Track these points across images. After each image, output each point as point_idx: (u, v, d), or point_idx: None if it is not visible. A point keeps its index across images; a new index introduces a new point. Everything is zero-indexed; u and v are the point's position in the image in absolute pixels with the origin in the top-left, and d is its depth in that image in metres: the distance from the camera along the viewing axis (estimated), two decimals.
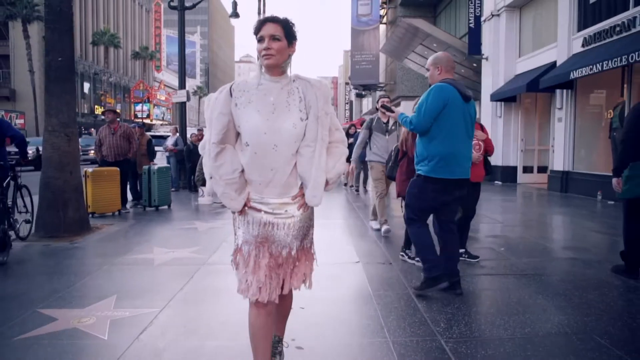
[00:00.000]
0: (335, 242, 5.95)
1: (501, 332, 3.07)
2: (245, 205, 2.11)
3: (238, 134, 2.11)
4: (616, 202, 9.14)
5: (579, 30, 10.91)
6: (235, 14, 13.64)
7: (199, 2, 13.06)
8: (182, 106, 13.14)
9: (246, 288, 2.09)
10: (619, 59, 8.18)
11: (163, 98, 66.43)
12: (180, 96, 12.85)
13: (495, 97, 14.32)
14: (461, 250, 4.56)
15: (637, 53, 7.69)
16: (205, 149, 2.09)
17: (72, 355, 2.82)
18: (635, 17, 8.79)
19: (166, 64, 79.23)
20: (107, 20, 65.75)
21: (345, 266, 4.77)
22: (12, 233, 5.46)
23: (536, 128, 14.49)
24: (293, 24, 2.09)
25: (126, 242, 6.05)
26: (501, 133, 14.52)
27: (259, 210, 2.10)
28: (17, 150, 5.89)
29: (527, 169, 14.47)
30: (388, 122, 6.15)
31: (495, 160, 14.61)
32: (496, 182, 14.34)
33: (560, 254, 5.46)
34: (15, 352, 2.85)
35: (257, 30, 2.06)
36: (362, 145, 6.30)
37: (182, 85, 12.99)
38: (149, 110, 60.03)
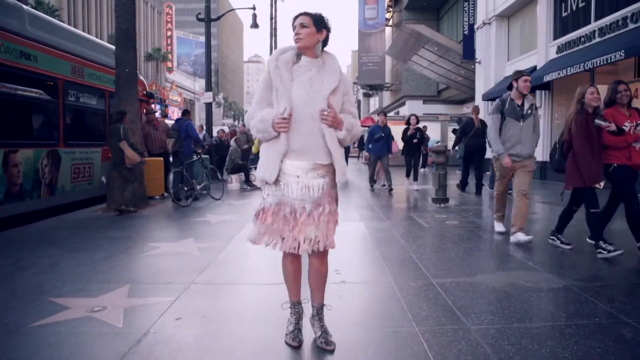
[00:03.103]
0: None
1: (450, 250, 4.79)
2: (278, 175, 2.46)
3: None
4: None
5: (555, 39, 12.57)
6: (255, 25, 15.37)
7: (224, 15, 14.82)
8: (208, 106, 14.92)
9: (279, 242, 2.48)
10: (579, 65, 9.83)
11: (175, 98, 68.34)
12: (207, 97, 14.62)
13: (487, 97, 15.97)
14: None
15: (590, 61, 9.35)
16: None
17: (181, 262, 4.58)
18: (594, 31, 10.44)
19: (177, 64, 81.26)
20: None
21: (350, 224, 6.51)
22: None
23: None
24: (322, 17, 2.51)
25: (183, 212, 7.82)
26: None
27: (297, 176, 2.44)
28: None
29: None
30: (523, 104, 5.09)
31: (487, 153, 16.27)
32: (487, 172, 15.97)
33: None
34: (144, 260, 4.61)
35: (292, 23, 2.49)
36: (497, 133, 5.12)
37: (208, 87, 14.79)
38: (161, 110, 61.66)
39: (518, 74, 5.15)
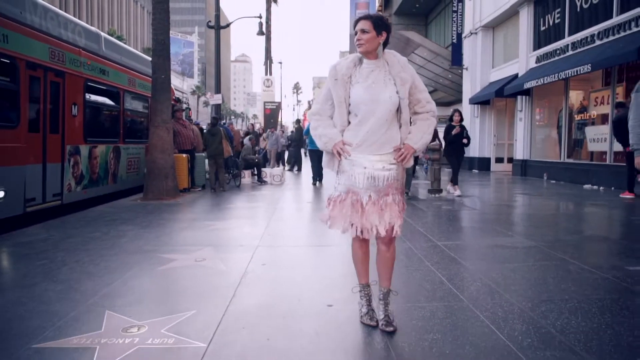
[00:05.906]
0: None
1: (447, 226, 6.09)
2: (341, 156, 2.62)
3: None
4: (557, 181, 12.23)
5: (534, 49, 14.02)
6: (261, 32, 16.58)
7: (231, 23, 15.98)
8: (217, 107, 16.08)
9: (348, 227, 2.64)
10: (554, 75, 11.25)
11: None
12: (217, 99, 15.79)
13: (473, 101, 17.41)
14: None
15: (564, 72, 10.77)
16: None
17: (239, 233, 5.80)
18: (568, 45, 11.88)
19: None
20: (112, 23, 68.19)
21: None
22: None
23: (506, 126, 17.62)
24: (381, 18, 2.58)
25: (212, 201, 9.02)
26: (478, 130, 17.64)
27: (364, 167, 2.58)
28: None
29: (499, 160, 17.62)
30: None
31: (473, 152, 17.71)
32: (473, 170, 17.44)
33: (497, 203, 8.52)
34: (210, 232, 5.81)
35: (353, 27, 2.61)
36: None
37: (217, 90, 15.95)
38: None
39: None
